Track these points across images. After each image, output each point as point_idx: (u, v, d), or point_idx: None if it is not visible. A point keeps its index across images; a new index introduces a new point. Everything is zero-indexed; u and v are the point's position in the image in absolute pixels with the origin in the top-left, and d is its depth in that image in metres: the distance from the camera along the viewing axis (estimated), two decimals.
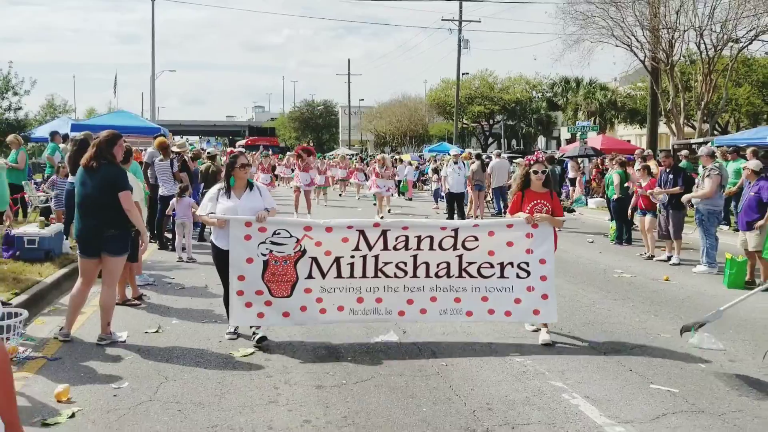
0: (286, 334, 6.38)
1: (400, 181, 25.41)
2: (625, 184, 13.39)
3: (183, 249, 10.56)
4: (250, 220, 5.80)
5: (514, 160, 21.35)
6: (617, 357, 5.94)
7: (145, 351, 5.91)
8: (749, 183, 9.58)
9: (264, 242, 5.81)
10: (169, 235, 11.64)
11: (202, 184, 12.50)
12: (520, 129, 53.39)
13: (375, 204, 20.15)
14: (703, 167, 11.25)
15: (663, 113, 27.27)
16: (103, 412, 4.57)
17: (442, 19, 41.54)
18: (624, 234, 13.59)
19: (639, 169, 12.75)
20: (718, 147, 19.06)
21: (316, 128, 78.64)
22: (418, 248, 5.99)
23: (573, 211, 19.84)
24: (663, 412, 4.68)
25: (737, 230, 10.29)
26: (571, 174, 22.87)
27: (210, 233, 6.71)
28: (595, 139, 29.37)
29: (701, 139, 24.01)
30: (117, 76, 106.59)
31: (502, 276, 6.10)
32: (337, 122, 79.06)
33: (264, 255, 5.82)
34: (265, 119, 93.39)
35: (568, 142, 39.11)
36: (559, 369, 5.56)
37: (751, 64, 32.64)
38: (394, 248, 5.96)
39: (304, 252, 5.87)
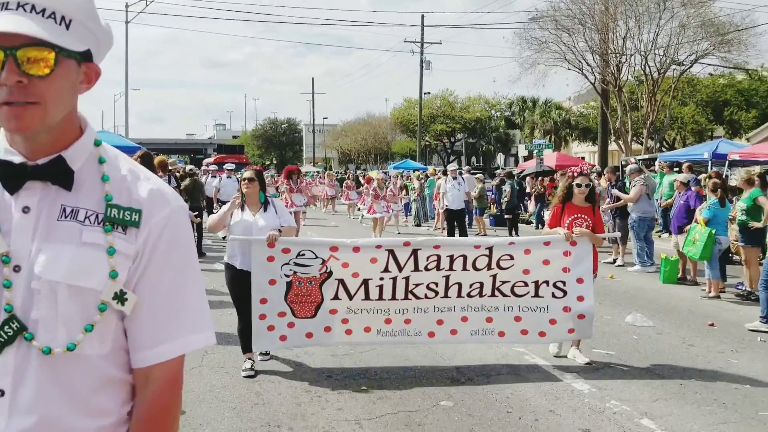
0: None
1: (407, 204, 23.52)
2: None
3: None
4: (273, 241, 5.51)
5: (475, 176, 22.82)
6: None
7: None
8: (680, 193, 11.20)
9: (288, 263, 5.53)
10: None
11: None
12: (480, 146, 55.47)
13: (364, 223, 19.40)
14: (629, 181, 13.07)
15: (612, 132, 29.31)
16: None
17: (405, 41, 43.33)
18: None
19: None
20: (659, 162, 20.96)
21: (280, 146, 79.69)
22: (451, 268, 5.66)
23: (531, 222, 21.45)
24: (599, 368, 6.08)
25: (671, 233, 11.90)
26: (528, 189, 24.55)
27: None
28: (550, 157, 31.17)
29: (647, 156, 26.02)
30: None
31: (536, 295, 5.76)
32: (300, 140, 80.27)
33: (287, 276, 5.53)
34: (226, 137, 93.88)
35: (525, 159, 41.10)
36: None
37: (695, 84, 35.00)
38: (425, 269, 5.62)
39: (330, 274, 5.57)
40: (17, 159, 1.32)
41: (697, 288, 10.17)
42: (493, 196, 21.85)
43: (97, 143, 1.42)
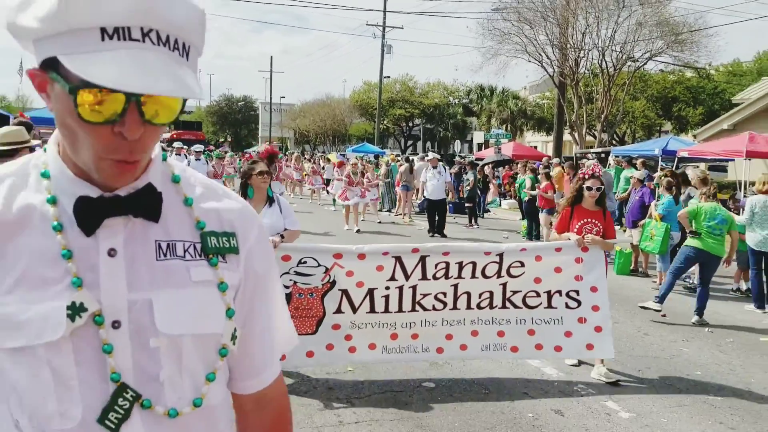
0: None
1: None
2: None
3: None
4: (273, 247, 4.90)
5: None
6: None
7: None
8: (635, 190, 11.80)
9: (287, 272, 5.00)
10: None
11: None
12: (437, 132, 56.09)
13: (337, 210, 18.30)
14: None
15: (568, 124, 30.15)
16: None
17: (367, 24, 43.43)
18: (533, 231, 15.76)
19: (541, 174, 15.02)
20: (615, 157, 21.77)
21: (235, 124, 78.73)
22: (459, 276, 5.30)
23: (488, 211, 22.03)
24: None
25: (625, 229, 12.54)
26: (489, 178, 25.14)
27: None
28: (507, 146, 31.88)
29: (600, 149, 26.92)
30: (23, 61, 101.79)
31: (549, 306, 5.42)
32: (256, 118, 79.45)
33: (287, 287, 4.98)
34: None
35: (480, 146, 41.86)
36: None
37: (646, 79, 36.15)
38: (434, 277, 5.24)
39: (333, 284, 5.10)
40: (94, 192, 1.08)
41: (649, 279, 10.80)
42: (453, 184, 22.31)
43: (164, 157, 1.21)
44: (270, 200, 5.17)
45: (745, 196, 14.72)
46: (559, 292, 5.43)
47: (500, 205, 23.74)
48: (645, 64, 29.54)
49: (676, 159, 19.61)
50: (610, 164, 21.22)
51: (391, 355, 5.31)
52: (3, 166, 1.15)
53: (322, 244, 5.74)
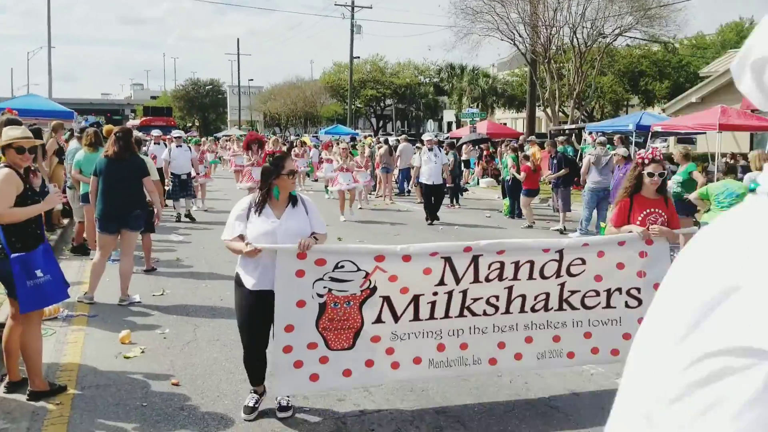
0: None
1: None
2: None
3: None
4: (306, 249, 4.32)
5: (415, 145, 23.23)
6: None
7: (163, 308, 7.20)
8: (619, 167, 11.96)
9: (322, 278, 4.40)
10: None
11: None
12: (409, 112, 56.05)
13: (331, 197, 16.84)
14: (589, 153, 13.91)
15: (541, 101, 30.37)
16: (164, 348, 5.92)
17: (336, 4, 42.99)
18: (516, 209, 15.90)
19: (521, 156, 15.17)
20: (589, 133, 22.04)
21: (202, 108, 77.58)
22: (515, 278, 4.72)
23: (466, 190, 22.15)
24: None
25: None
26: (464, 157, 25.24)
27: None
28: (481, 124, 32.02)
29: (574, 125, 27.20)
30: None
31: (608, 306, 4.93)
32: (224, 102, 78.41)
33: (321, 296, 4.41)
34: (144, 97, 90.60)
35: (450, 125, 42.07)
36: None
37: (613, 54, 36.54)
38: (486, 279, 4.67)
39: (374, 290, 4.49)
40: None
41: None
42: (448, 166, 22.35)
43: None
44: (293, 200, 4.56)
45: (720, 170, 15.10)
46: (619, 290, 4.92)
47: (478, 183, 23.87)
48: (615, 40, 29.84)
49: (650, 134, 19.95)
50: (586, 141, 21.48)
51: (439, 370, 4.71)
52: None
53: (362, 245, 5.11)
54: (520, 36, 28.84)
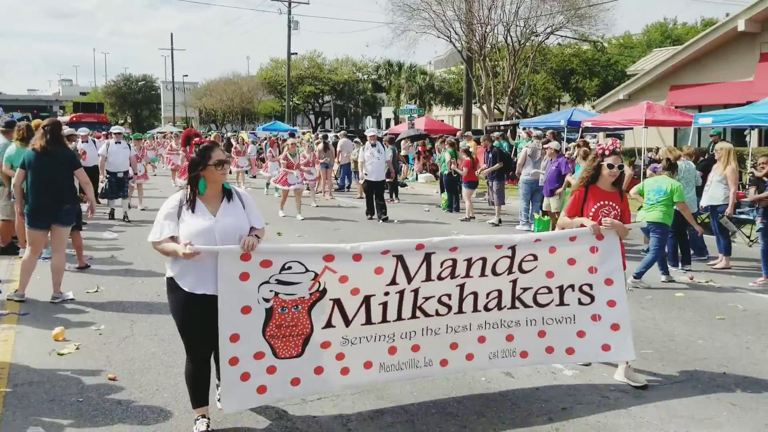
0: None
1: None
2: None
3: None
4: (250, 250, 4.02)
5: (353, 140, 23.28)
6: None
7: (98, 305, 7.05)
8: (551, 160, 12.33)
9: (268, 281, 4.10)
10: None
11: None
12: (348, 109, 56.02)
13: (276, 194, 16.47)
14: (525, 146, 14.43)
15: (477, 98, 30.89)
16: (99, 344, 5.81)
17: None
18: (453, 203, 16.19)
19: (462, 150, 15.48)
20: (523, 129, 22.57)
21: (135, 104, 75.62)
22: (467, 275, 4.61)
23: (405, 185, 22.37)
24: None
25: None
26: (403, 152, 25.48)
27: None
28: (419, 121, 32.35)
29: (508, 122, 27.82)
30: None
31: (561, 303, 4.85)
32: (158, 98, 76.55)
33: (267, 300, 4.11)
34: (74, 93, 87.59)
35: (388, 122, 42.36)
36: None
37: (546, 53, 37.49)
38: (439, 277, 4.53)
39: (323, 292, 4.24)
40: None
41: None
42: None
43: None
44: (228, 194, 4.17)
45: (645, 162, 15.77)
46: (572, 286, 4.85)
47: (417, 178, 24.13)
48: (547, 38, 30.62)
49: (581, 129, 20.63)
50: (520, 136, 21.99)
51: (390, 374, 4.56)
52: None
53: (309, 244, 4.66)
54: (456, 34, 29.28)
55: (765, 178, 9.13)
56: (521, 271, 4.73)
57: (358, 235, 11.55)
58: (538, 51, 32.76)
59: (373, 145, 14.25)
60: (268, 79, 53.29)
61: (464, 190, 14.99)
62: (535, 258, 4.74)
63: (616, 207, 5.17)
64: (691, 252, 9.73)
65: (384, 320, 4.43)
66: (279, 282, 4.10)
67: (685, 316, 7.13)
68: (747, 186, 11.66)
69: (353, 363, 4.40)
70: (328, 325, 4.29)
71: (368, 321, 4.39)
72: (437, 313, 4.58)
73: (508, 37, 28.96)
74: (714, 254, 9.89)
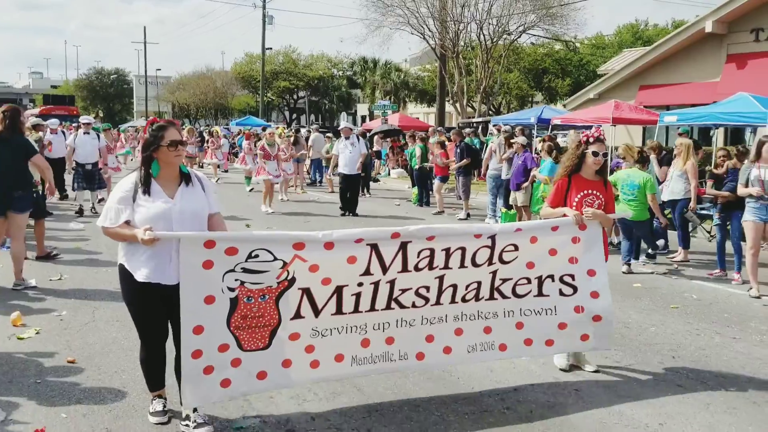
0: None
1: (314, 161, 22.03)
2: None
3: None
4: (213, 237, 3.87)
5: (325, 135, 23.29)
6: None
7: (61, 292, 7.04)
8: (518, 155, 12.51)
9: (233, 270, 3.90)
10: None
11: None
12: (323, 105, 55.90)
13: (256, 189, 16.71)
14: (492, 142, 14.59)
15: (450, 95, 31.10)
16: (60, 330, 5.81)
17: None
18: (424, 198, 16.33)
19: (435, 144, 15.61)
20: (494, 125, 22.80)
21: (107, 98, 74.69)
22: (446, 266, 4.43)
23: (377, 180, 22.46)
24: None
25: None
26: (376, 147, 25.57)
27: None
28: (392, 117, 32.48)
29: (481, 119, 28.04)
30: None
31: (540, 294, 4.71)
32: (130, 92, 75.70)
33: (232, 290, 3.92)
34: (44, 87, 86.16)
35: (363, 118, 42.37)
36: None
37: (519, 52, 37.87)
38: (416, 268, 4.35)
39: (292, 281, 4.04)
40: None
41: None
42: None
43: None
44: (186, 178, 3.98)
45: (612, 160, 16.04)
46: (552, 277, 4.71)
47: (389, 174, 24.24)
48: (519, 37, 30.94)
49: (550, 126, 20.92)
50: (492, 133, 22.19)
51: (363, 367, 4.36)
52: None
53: (278, 231, 4.43)
54: (430, 31, 29.46)
55: (724, 175, 9.39)
56: (502, 261, 4.56)
57: (327, 228, 11.57)
58: (511, 50, 33.09)
59: (347, 138, 14.23)
60: (243, 74, 53.00)
61: (436, 184, 15.14)
62: (516, 248, 4.58)
63: (600, 196, 5.06)
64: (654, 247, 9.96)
65: (356, 310, 4.24)
66: (245, 270, 3.89)
67: (641, 305, 7.32)
68: (706, 181, 11.94)
69: (323, 356, 4.21)
70: (297, 315, 4.09)
71: (339, 311, 4.19)
72: (413, 305, 4.40)
73: (481, 35, 29.19)
74: (675, 248, 10.14)
